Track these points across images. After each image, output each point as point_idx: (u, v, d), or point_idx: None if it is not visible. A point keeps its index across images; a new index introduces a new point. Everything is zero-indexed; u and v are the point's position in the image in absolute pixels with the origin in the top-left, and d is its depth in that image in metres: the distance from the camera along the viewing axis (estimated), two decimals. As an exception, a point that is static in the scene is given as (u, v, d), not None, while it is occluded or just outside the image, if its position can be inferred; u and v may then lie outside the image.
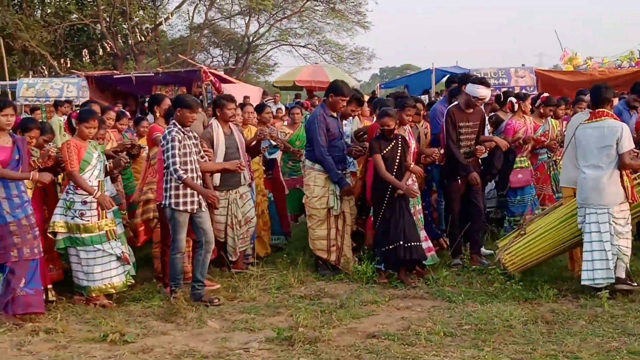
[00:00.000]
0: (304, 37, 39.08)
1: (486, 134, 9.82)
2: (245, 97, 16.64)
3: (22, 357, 6.44)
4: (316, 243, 8.90)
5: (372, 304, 7.79)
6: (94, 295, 7.79)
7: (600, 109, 7.75)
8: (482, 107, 9.61)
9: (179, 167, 7.50)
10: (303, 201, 9.25)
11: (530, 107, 10.60)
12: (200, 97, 18.09)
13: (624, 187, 7.57)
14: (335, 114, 8.97)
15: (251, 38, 38.09)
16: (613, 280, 7.50)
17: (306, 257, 9.26)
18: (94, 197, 7.54)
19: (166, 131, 7.77)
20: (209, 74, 21.23)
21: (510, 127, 10.30)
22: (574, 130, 8.04)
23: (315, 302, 7.89)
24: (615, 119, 7.77)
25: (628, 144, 7.48)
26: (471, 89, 9.08)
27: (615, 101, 10.40)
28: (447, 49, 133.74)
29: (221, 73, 23.37)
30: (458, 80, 10.10)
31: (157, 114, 8.96)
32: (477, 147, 9.17)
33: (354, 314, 7.46)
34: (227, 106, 8.71)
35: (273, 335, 6.84)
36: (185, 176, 7.52)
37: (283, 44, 39.58)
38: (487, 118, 9.81)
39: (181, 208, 7.69)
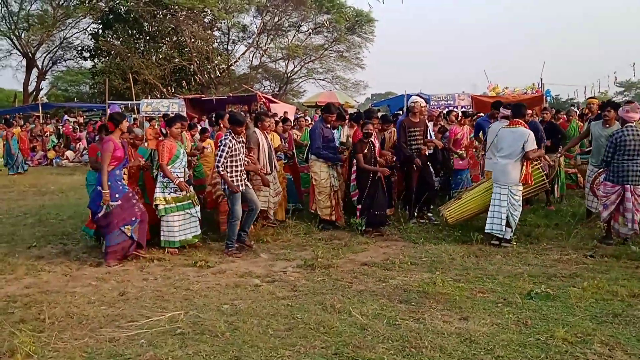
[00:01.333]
0: (323, 73, 38.93)
1: (432, 137, 9.78)
2: (285, 112, 16.64)
3: (143, 275, 6.52)
4: (323, 210, 8.78)
5: (364, 244, 7.82)
6: (179, 246, 7.50)
7: (516, 119, 7.64)
8: (426, 119, 9.69)
9: (221, 164, 7.27)
10: (312, 183, 8.99)
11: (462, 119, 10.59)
12: (256, 111, 18.10)
13: (521, 173, 7.48)
14: (329, 125, 8.94)
15: (289, 74, 37.98)
16: (502, 234, 7.48)
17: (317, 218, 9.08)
18: (174, 184, 7.35)
19: (223, 137, 7.58)
20: (262, 97, 21.38)
21: (452, 132, 10.27)
22: (496, 133, 7.92)
23: (328, 243, 7.92)
24: (525, 127, 7.61)
25: (531, 145, 7.41)
26: (410, 100, 9.28)
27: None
28: (414, 79, 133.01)
29: (270, 96, 23.37)
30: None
31: (221, 125, 8.87)
32: (421, 146, 8.99)
33: (353, 250, 7.52)
34: (266, 120, 8.59)
35: (302, 263, 6.91)
36: (222, 172, 7.30)
37: (309, 78, 39.48)
38: (432, 127, 9.87)
39: (235, 189, 7.41)
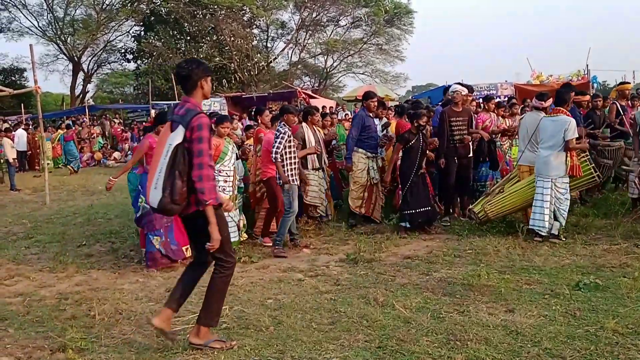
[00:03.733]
0: (362, 67, 38.81)
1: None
2: (323, 107, 16.59)
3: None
4: (355, 201, 8.47)
5: (407, 237, 7.77)
6: None
7: (558, 107, 7.31)
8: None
9: (279, 153, 7.14)
10: (349, 173, 8.73)
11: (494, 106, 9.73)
12: (297, 106, 18.18)
13: (566, 164, 7.09)
14: (372, 114, 8.63)
15: (328, 69, 38.00)
16: (546, 230, 7.09)
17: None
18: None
19: (279, 127, 7.38)
20: (301, 92, 21.48)
21: (479, 118, 9.38)
22: (531, 124, 7.64)
23: (370, 236, 7.89)
24: (567, 114, 7.23)
25: (572, 134, 7.01)
26: (451, 89, 8.70)
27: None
28: (456, 69, 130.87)
29: (310, 92, 23.45)
30: (443, 91, 9.68)
31: (260, 121, 8.57)
32: (464, 136, 8.46)
33: (396, 243, 7.50)
34: (315, 115, 8.51)
35: (344, 257, 6.93)
36: (279, 160, 7.16)
37: (348, 73, 39.42)
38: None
39: (295, 183, 7.33)
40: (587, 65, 20.86)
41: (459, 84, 8.83)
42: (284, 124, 7.37)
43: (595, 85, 21.88)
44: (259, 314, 4.96)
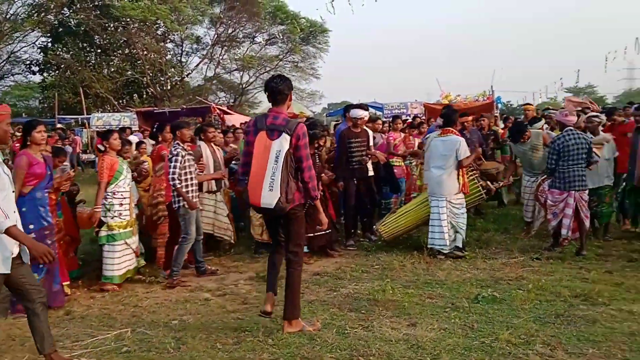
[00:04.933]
0: (278, 84, 38.87)
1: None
2: (242, 124, 16.13)
3: (90, 294, 6.37)
4: (256, 229, 7.86)
5: (316, 254, 7.75)
6: (119, 281, 6.58)
7: (448, 128, 7.47)
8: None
9: (176, 176, 6.53)
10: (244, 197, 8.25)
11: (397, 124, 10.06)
12: (212, 122, 17.88)
13: (458, 182, 7.33)
14: None
15: (244, 85, 37.88)
16: (447, 247, 7.28)
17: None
18: (91, 212, 6.53)
19: (172, 148, 6.79)
20: (216, 108, 21.18)
21: (389, 137, 9.75)
22: (429, 144, 7.66)
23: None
24: (456, 134, 7.44)
25: (464, 153, 7.25)
26: (353, 113, 8.22)
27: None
28: (369, 87, 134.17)
29: (224, 108, 23.18)
30: (343, 110, 9.00)
31: (160, 138, 7.91)
32: (363, 157, 8.18)
33: (305, 260, 7.46)
34: (209, 130, 7.92)
35: (253, 275, 6.90)
36: (179, 186, 6.53)
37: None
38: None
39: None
40: (492, 86, 21.82)
41: (359, 106, 8.53)
42: (177, 143, 6.77)
43: (499, 105, 22.90)
44: (162, 336, 4.85)
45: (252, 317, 5.26)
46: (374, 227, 8.06)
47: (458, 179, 7.35)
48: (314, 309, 5.42)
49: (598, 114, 8.50)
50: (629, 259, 7.00)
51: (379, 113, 21.95)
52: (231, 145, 9.26)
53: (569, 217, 7.18)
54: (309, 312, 5.31)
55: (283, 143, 4.47)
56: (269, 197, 4.46)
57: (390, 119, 11.91)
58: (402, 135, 10.07)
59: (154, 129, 8.67)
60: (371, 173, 8.45)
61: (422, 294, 5.75)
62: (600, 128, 8.13)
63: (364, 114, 8.31)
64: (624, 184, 8.17)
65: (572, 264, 6.84)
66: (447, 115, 7.66)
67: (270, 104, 4.78)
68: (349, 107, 8.77)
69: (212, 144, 7.99)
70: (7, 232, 3.73)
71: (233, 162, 8.74)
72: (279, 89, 4.67)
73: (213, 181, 7.77)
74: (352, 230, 8.45)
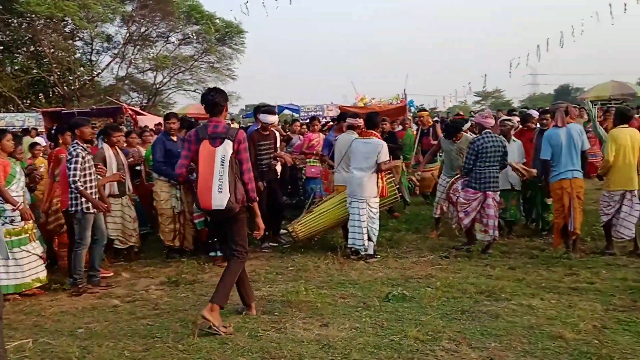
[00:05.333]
0: (193, 84, 38.06)
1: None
2: (156, 125, 15.57)
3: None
4: (167, 235, 7.75)
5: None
6: (23, 290, 6.30)
7: (370, 130, 7.66)
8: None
9: (77, 179, 6.25)
10: (154, 205, 7.94)
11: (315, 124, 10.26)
12: (123, 123, 17.33)
13: (377, 186, 7.41)
14: (174, 137, 7.84)
15: (157, 85, 36.96)
16: (364, 249, 7.32)
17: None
18: (16, 208, 6.23)
19: (71, 148, 6.40)
20: (127, 109, 20.57)
21: (306, 137, 9.96)
22: (347, 145, 7.66)
23: (194, 258, 7.69)
24: (378, 137, 7.61)
25: (385, 156, 7.37)
26: (262, 117, 8.10)
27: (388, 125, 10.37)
28: (287, 90, 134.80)
29: (137, 108, 22.54)
30: (253, 112, 8.83)
31: (61, 141, 7.50)
32: (272, 161, 8.23)
33: (220, 263, 7.38)
34: (113, 134, 7.62)
35: (165, 280, 6.73)
36: (82, 188, 6.27)
37: (179, 90, 38.55)
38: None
39: (91, 211, 6.43)
40: (404, 90, 22.39)
41: (268, 110, 8.31)
42: (77, 143, 6.43)
43: (412, 108, 23.51)
44: (66, 345, 4.66)
45: (163, 323, 5.15)
46: (288, 227, 7.98)
47: (378, 182, 7.42)
48: (226, 312, 5.35)
49: (510, 118, 8.85)
50: (531, 255, 7.36)
51: (296, 115, 22.06)
52: (138, 147, 8.82)
53: (493, 217, 7.40)
54: (222, 316, 5.23)
55: (227, 148, 4.78)
56: (219, 199, 4.72)
57: (308, 121, 11.98)
58: (320, 135, 10.17)
59: (52, 130, 8.04)
60: (278, 175, 8.49)
61: (335, 294, 5.81)
62: (512, 132, 8.50)
63: (273, 119, 8.26)
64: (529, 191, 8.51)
65: (478, 261, 7.12)
66: (371, 119, 7.78)
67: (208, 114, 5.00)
68: (258, 108, 8.67)
69: (116, 147, 7.70)
70: None
71: (137, 167, 8.41)
72: (215, 101, 4.95)
73: (115, 184, 7.50)
74: (266, 233, 8.19)
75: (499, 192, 7.55)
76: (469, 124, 9.61)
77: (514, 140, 8.33)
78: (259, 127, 8.23)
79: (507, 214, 8.29)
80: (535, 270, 6.62)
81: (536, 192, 8.36)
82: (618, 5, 26.04)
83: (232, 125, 7.11)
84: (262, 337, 4.67)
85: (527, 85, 72.73)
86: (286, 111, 23.00)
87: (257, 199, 5.15)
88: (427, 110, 12.54)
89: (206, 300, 5.77)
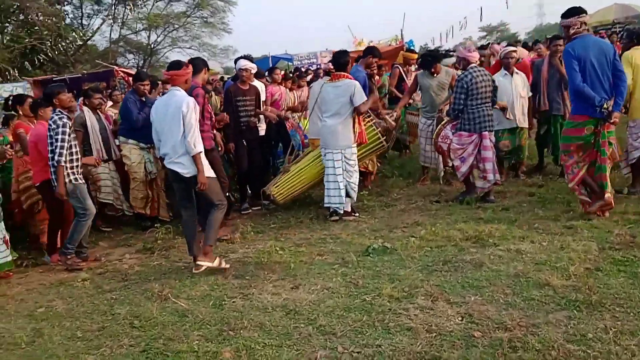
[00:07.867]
0: (188, 41, 37.25)
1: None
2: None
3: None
4: (138, 202, 7.19)
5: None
6: None
7: (339, 72, 6.63)
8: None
9: (64, 156, 5.64)
10: (125, 169, 7.29)
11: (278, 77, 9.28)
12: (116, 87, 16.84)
13: (354, 133, 6.57)
14: (143, 98, 7.17)
15: (152, 45, 36.17)
16: (343, 207, 6.60)
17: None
18: None
19: (55, 117, 5.69)
20: (119, 72, 20.04)
21: (268, 91, 8.68)
22: (318, 92, 6.79)
23: (173, 222, 7.25)
24: (350, 78, 6.56)
25: (361, 97, 6.42)
26: (237, 64, 7.54)
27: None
28: (281, 39, 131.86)
29: (129, 70, 21.93)
30: (235, 62, 7.88)
31: (21, 112, 6.83)
32: (252, 119, 7.46)
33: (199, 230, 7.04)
34: (94, 96, 7.19)
35: (141, 247, 6.43)
36: (63, 164, 5.64)
37: (175, 48, 37.75)
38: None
39: (81, 181, 5.87)
40: (401, 30, 21.57)
41: (246, 57, 7.75)
42: (59, 111, 5.80)
43: (412, 48, 22.72)
44: (20, 328, 4.35)
45: (127, 296, 4.83)
46: (266, 190, 7.30)
47: (354, 128, 6.57)
48: (196, 280, 5.01)
49: (515, 49, 8.08)
50: (529, 193, 6.91)
51: (290, 64, 21.38)
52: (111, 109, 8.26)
53: (491, 159, 6.65)
54: (190, 283, 4.92)
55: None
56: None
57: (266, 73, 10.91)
58: (282, 88, 9.20)
59: (9, 100, 7.39)
60: (262, 133, 7.89)
61: (312, 252, 5.42)
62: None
63: (244, 63, 7.46)
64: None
65: (470, 204, 6.68)
66: (336, 59, 6.85)
67: None
68: (238, 59, 7.89)
69: (98, 111, 7.31)
70: None
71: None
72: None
73: (103, 149, 7.17)
74: (245, 194, 7.82)
75: (493, 132, 6.85)
76: (453, 59, 8.91)
77: (516, 73, 7.58)
78: (239, 80, 7.62)
79: (516, 155, 7.62)
80: (530, 209, 6.19)
81: (555, 128, 7.52)
82: None
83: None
84: (226, 306, 4.31)
85: (533, 16, 70.66)
86: (283, 62, 22.35)
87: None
88: (415, 52, 11.51)
89: (179, 267, 5.54)
